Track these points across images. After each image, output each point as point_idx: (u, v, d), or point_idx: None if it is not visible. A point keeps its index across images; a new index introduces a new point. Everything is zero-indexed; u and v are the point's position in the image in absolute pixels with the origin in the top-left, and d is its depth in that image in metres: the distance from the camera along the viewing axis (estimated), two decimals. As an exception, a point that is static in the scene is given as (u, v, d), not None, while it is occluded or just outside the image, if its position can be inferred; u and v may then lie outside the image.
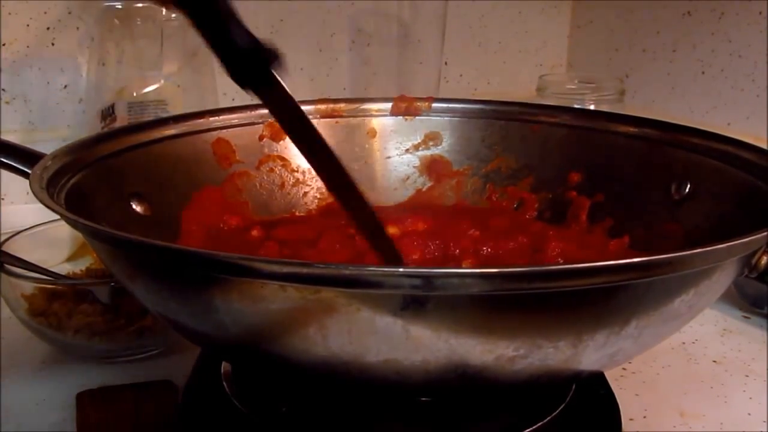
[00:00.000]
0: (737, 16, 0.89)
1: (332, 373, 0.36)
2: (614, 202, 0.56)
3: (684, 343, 0.61)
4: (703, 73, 0.94)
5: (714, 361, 0.58)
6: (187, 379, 0.50)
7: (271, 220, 0.59)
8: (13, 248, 0.59)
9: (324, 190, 0.62)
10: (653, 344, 0.41)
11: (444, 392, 0.39)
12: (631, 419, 0.50)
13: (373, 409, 0.44)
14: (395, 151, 0.64)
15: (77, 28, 0.81)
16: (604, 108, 0.80)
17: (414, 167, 0.64)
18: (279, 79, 0.40)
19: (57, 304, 0.55)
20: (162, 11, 0.76)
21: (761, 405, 0.53)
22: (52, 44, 0.81)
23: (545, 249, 0.51)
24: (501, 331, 0.34)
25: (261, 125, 0.61)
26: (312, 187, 0.62)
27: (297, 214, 0.61)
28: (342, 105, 0.64)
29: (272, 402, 0.46)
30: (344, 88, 0.98)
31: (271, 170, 0.61)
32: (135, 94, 0.75)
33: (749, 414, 0.52)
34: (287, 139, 0.62)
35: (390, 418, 0.45)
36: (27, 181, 0.43)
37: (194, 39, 0.79)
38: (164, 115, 0.58)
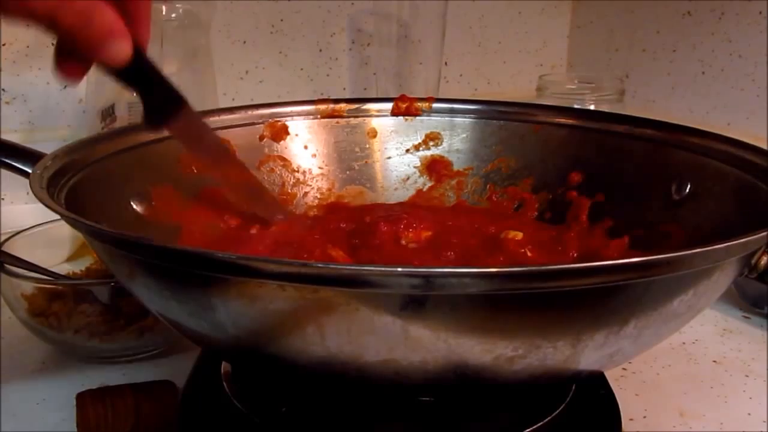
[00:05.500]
0: (737, 16, 0.89)
1: (331, 373, 0.36)
2: (614, 202, 0.56)
3: (684, 343, 0.61)
4: (703, 73, 0.94)
5: (714, 361, 0.58)
6: (187, 379, 0.50)
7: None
8: (13, 248, 0.59)
9: (324, 190, 0.62)
10: (653, 344, 0.41)
11: (443, 392, 0.39)
12: (631, 419, 0.50)
13: (373, 409, 0.44)
14: (395, 151, 0.64)
15: (77, 28, 0.81)
16: (604, 108, 0.80)
17: (414, 167, 0.64)
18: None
19: (57, 304, 0.55)
20: (162, 11, 0.76)
21: (761, 405, 0.53)
22: (52, 44, 0.81)
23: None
24: (500, 331, 0.34)
25: (261, 125, 0.61)
26: (312, 187, 0.62)
27: (297, 214, 0.61)
28: (342, 105, 0.64)
29: (272, 402, 0.46)
30: (344, 88, 0.98)
31: (272, 170, 0.61)
32: (135, 94, 0.74)
33: (749, 414, 0.52)
34: (288, 140, 0.62)
35: (390, 418, 0.44)
36: (27, 181, 0.43)
37: (194, 39, 0.79)
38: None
